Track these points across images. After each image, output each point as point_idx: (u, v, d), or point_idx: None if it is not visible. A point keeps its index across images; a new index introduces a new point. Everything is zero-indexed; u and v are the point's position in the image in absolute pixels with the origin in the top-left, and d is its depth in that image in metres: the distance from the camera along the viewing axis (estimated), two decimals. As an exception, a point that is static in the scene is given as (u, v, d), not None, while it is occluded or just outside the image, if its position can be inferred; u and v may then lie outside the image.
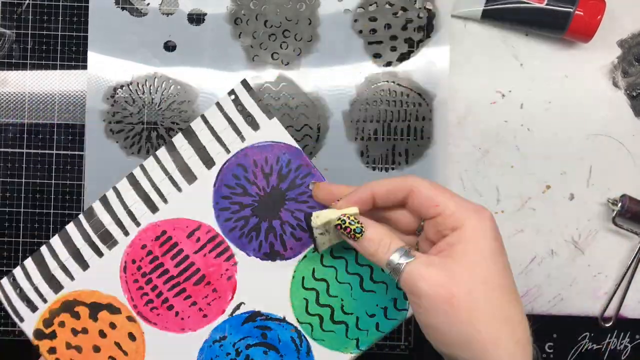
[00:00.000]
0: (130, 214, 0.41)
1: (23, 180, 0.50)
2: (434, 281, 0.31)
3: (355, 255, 0.41)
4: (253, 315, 0.41)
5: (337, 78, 0.51)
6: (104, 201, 0.42)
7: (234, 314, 0.41)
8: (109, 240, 0.41)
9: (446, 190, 0.34)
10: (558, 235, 0.52)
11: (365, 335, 0.41)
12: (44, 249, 0.41)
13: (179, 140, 0.42)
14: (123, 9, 0.50)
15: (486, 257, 0.32)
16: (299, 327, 0.41)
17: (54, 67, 0.51)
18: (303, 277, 0.41)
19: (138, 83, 0.51)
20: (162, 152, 0.42)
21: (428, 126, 0.51)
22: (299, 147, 0.42)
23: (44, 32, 0.51)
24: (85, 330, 0.41)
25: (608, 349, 0.52)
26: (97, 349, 0.41)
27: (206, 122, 0.42)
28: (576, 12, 0.47)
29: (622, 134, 0.51)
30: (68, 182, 0.50)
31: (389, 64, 0.51)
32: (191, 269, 0.41)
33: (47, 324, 0.41)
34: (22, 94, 0.51)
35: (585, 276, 0.52)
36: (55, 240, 0.41)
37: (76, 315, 0.41)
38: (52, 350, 0.41)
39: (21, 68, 0.51)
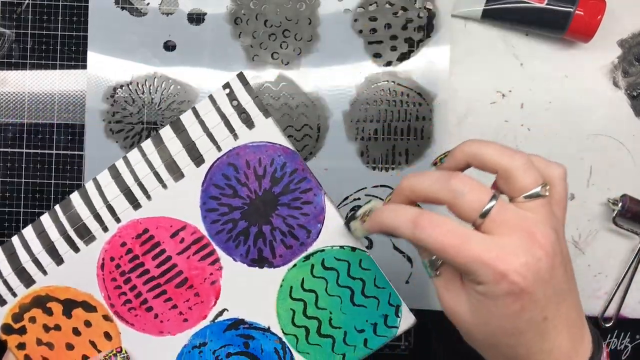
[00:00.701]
0: (111, 208, 0.39)
1: (23, 180, 0.50)
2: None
3: (348, 268, 0.40)
4: (236, 323, 0.40)
5: (337, 78, 0.51)
6: (83, 193, 0.39)
7: (215, 320, 0.40)
8: (87, 235, 0.39)
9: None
10: (558, 235, 0.52)
11: (353, 351, 0.39)
12: (15, 240, 0.39)
13: (167, 133, 0.39)
14: (123, 8, 0.50)
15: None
16: (284, 339, 0.40)
17: (54, 67, 0.51)
18: (291, 287, 0.40)
19: (138, 83, 0.51)
20: (147, 145, 0.39)
21: (428, 126, 0.51)
22: (294, 150, 0.39)
23: (44, 32, 0.51)
24: (58, 327, 0.39)
25: (608, 349, 0.52)
26: (70, 347, 0.39)
27: (197, 115, 0.39)
28: (576, 12, 0.47)
29: (622, 134, 0.51)
30: (68, 182, 0.50)
31: (389, 63, 0.51)
32: (173, 270, 0.40)
33: (16, 318, 0.39)
34: (21, 94, 0.51)
35: (585, 276, 0.52)
36: (28, 231, 0.39)
37: (48, 312, 0.39)
38: (21, 346, 0.39)
39: (21, 68, 0.51)
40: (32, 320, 0.39)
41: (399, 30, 0.51)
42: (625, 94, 0.51)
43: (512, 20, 0.50)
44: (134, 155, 0.39)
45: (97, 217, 0.39)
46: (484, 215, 0.30)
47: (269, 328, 0.40)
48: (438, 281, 0.33)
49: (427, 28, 0.51)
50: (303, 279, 0.40)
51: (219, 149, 0.39)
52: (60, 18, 0.51)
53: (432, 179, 0.31)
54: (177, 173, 0.39)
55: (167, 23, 0.51)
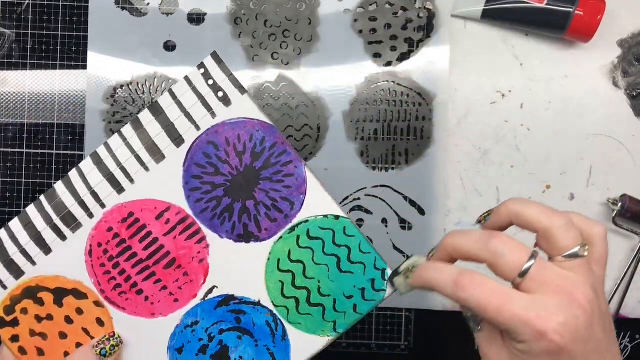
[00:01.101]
0: (95, 194, 0.39)
1: (23, 180, 0.50)
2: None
3: (333, 236, 0.40)
4: (226, 299, 0.40)
5: (337, 78, 0.51)
6: (67, 182, 0.39)
7: (206, 298, 0.40)
8: (73, 222, 0.39)
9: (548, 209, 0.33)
10: (558, 235, 0.52)
11: (343, 318, 0.40)
12: (2, 233, 0.39)
13: (146, 116, 0.39)
14: (123, 9, 0.50)
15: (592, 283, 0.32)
16: (275, 311, 0.40)
17: (54, 67, 0.51)
18: (279, 259, 0.40)
19: (138, 83, 0.51)
20: (127, 129, 0.39)
21: (428, 126, 0.51)
22: (272, 124, 0.40)
23: (44, 32, 0.51)
24: (50, 317, 0.40)
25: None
26: (63, 336, 0.40)
27: (174, 97, 0.39)
28: (576, 12, 0.47)
29: (622, 134, 0.51)
30: (68, 182, 0.50)
31: (389, 64, 0.51)
32: (161, 252, 0.40)
33: (8, 311, 0.39)
34: (22, 94, 0.51)
35: (585, 276, 0.52)
36: (15, 224, 0.39)
37: (39, 302, 0.40)
38: (14, 338, 0.39)
39: (21, 68, 0.51)
40: (24, 311, 0.40)
41: (399, 31, 0.51)
42: (625, 94, 0.51)
43: (512, 20, 0.50)
44: (114, 140, 0.39)
45: (82, 204, 0.39)
46: (523, 274, 0.31)
47: (259, 302, 0.40)
48: (481, 336, 0.34)
49: (427, 28, 0.51)
50: (290, 250, 0.40)
51: (197, 128, 0.40)
52: (60, 18, 0.51)
53: (474, 239, 0.32)
54: (158, 155, 0.39)
55: (167, 23, 0.51)
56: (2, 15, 0.50)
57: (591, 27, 0.48)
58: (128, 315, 0.40)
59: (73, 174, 0.40)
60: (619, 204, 0.50)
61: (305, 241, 0.40)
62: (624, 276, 0.51)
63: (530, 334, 0.30)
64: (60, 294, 0.40)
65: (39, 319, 0.40)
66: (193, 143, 0.40)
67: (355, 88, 0.51)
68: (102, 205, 0.40)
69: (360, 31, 0.51)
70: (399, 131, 0.51)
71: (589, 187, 0.52)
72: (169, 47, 0.51)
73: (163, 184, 0.40)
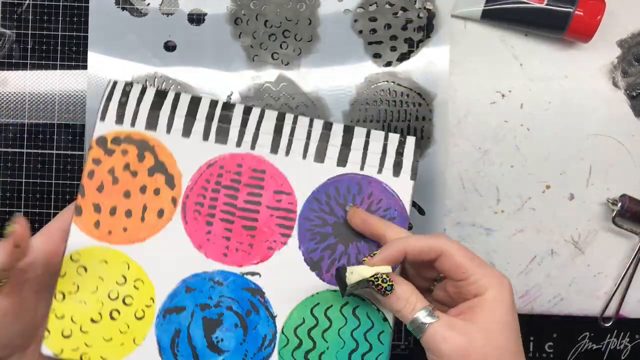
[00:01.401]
0: (256, 136, 0.42)
1: (23, 180, 0.50)
2: (454, 344, 0.34)
3: (369, 329, 0.40)
4: (257, 291, 0.40)
5: (337, 78, 0.51)
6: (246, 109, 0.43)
7: (244, 275, 0.41)
8: (223, 135, 0.42)
9: (474, 258, 0.36)
10: (558, 235, 0.52)
11: None
12: (184, 96, 0.42)
13: (338, 128, 0.42)
14: (123, 9, 0.50)
15: (503, 325, 0.35)
16: (277, 335, 0.40)
17: (54, 67, 0.51)
18: (317, 304, 0.40)
19: (138, 83, 0.51)
20: (336, 127, 0.42)
21: (428, 126, 0.51)
22: (408, 216, 0.41)
23: (44, 32, 0.51)
24: (135, 174, 0.41)
25: (608, 349, 0.52)
26: (127, 195, 0.41)
27: (368, 136, 0.42)
28: (576, 12, 0.47)
29: (622, 134, 0.51)
30: (68, 182, 0.50)
31: (389, 64, 0.51)
32: (253, 214, 0.41)
33: (115, 141, 0.41)
34: (22, 94, 0.51)
35: (585, 276, 0.52)
36: (185, 98, 0.42)
37: (141, 157, 0.41)
38: (96, 162, 0.41)
39: (21, 68, 0.51)
40: (124, 152, 0.41)
41: (398, 31, 0.51)
42: (625, 94, 0.51)
43: (511, 21, 0.50)
44: (306, 121, 0.43)
45: (241, 134, 0.42)
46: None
47: (275, 316, 0.40)
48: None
49: (427, 28, 0.51)
50: (331, 305, 0.40)
51: (362, 168, 0.42)
52: (60, 18, 0.51)
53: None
54: (320, 157, 0.42)
55: (167, 23, 0.51)
56: (2, 15, 0.50)
57: (591, 27, 0.48)
58: (182, 230, 0.41)
59: (256, 110, 0.42)
60: (619, 204, 0.50)
61: (348, 312, 0.40)
62: (624, 276, 0.51)
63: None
64: (157, 168, 0.41)
65: (126, 166, 0.41)
66: (349, 173, 0.42)
67: (355, 88, 0.51)
68: (252, 147, 0.42)
69: (360, 31, 0.51)
70: (398, 131, 0.51)
71: (589, 187, 0.52)
72: (169, 47, 0.51)
73: (303, 175, 0.41)
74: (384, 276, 0.35)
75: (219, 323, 0.40)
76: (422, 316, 0.35)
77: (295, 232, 0.41)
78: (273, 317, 0.40)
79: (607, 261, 0.52)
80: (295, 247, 0.41)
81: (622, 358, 0.52)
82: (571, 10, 0.47)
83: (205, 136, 0.41)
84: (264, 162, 0.42)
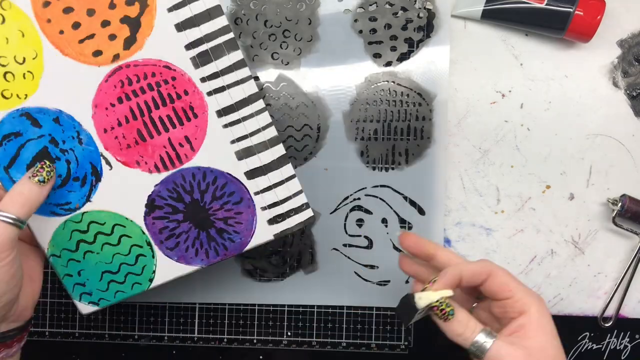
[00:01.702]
0: None
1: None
2: (516, 357, 0.36)
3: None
4: (96, 172, 0.42)
5: (337, 78, 0.51)
6: None
7: (102, 156, 0.41)
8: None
9: (516, 278, 0.39)
10: (558, 235, 0.52)
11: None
12: None
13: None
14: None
15: (551, 337, 0.38)
16: (79, 213, 0.42)
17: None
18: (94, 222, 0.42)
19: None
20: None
21: (428, 126, 0.51)
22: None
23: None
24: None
25: (608, 349, 0.52)
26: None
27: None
28: (576, 12, 0.47)
29: (622, 134, 0.51)
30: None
31: (389, 64, 0.51)
32: (155, 131, 0.41)
33: None
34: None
35: (585, 276, 0.52)
36: None
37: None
38: None
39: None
40: None
41: (398, 31, 0.51)
42: (625, 94, 0.51)
43: (511, 21, 0.50)
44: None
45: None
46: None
47: (89, 202, 0.42)
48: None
49: (427, 28, 0.51)
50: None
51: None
52: None
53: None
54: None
55: (167, 23, 0.51)
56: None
57: (591, 27, 0.48)
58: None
59: None
60: (619, 204, 0.50)
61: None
62: (624, 276, 0.52)
63: None
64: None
65: None
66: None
67: (355, 88, 0.51)
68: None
69: (360, 31, 0.51)
70: (399, 131, 0.51)
71: (589, 187, 0.52)
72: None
73: (213, 147, 0.42)
74: (447, 301, 0.37)
75: (51, 160, 0.41)
76: (483, 337, 0.37)
77: (163, 178, 0.42)
78: (88, 200, 0.42)
79: (607, 261, 0.52)
80: (152, 183, 0.42)
81: (622, 358, 0.52)
82: (571, 10, 0.47)
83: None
84: (204, 103, 0.41)
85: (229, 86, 0.41)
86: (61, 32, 0.39)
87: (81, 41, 0.39)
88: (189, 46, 0.40)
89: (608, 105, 0.51)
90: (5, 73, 0.39)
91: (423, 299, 0.37)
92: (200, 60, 0.40)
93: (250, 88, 0.41)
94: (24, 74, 0.39)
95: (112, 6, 0.39)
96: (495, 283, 0.39)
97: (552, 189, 0.52)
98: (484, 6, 0.49)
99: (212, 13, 0.39)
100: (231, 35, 0.40)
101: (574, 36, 0.49)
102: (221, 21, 0.39)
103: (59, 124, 0.40)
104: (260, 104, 0.41)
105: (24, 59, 0.39)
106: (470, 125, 0.51)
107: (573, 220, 0.52)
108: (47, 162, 0.40)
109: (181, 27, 0.39)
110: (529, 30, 0.51)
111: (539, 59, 0.51)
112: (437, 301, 0.37)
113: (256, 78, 0.51)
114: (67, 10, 0.39)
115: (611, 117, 0.51)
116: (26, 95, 0.40)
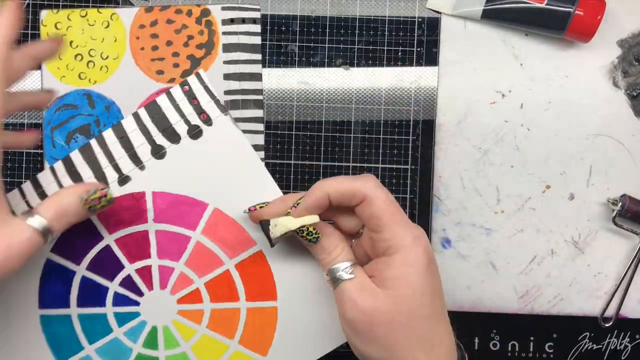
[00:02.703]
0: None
1: (23, 180, 0.50)
2: (360, 307, 0.33)
3: None
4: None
5: (337, 78, 0.51)
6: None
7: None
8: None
9: (396, 212, 0.34)
10: (558, 235, 0.52)
11: None
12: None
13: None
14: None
15: (413, 290, 0.33)
16: None
17: (54, 67, 0.51)
18: None
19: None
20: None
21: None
22: None
23: (44, 32, 0.50)
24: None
25: (608, 349, 0.52)
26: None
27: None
28: (576, 12, 0.47)
29: (622, 134, 0.51)
30: (68, 182, 0.50)
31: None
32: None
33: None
34: (22, 94, 0.51)
35: (585, 276, 0.52)
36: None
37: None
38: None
39: (21, 68, 0.51)
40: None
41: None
42: (625, 94, 0.51)
43: (511, 21, 0.50)
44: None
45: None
46: None
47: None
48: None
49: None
50: None
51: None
52: (60, 18, 0.50)
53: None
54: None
55: (167, 23, 0.51)
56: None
57: (591, 27, 0.48)
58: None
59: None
60: (619, 204, 0.50)
61: None
62: (624, 276, 0.52)
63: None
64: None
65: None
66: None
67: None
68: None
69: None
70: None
71: (589, 187, 0.52)
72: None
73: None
74: (310, 228, 0.34)
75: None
76: (338, 270, 0.34)
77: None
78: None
79: (607, 261, 0.52)
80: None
81: (622, 358, 0.52)
82: (571, 10, 0.47)
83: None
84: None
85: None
86: (142, 48, 0.49)
87: (153, 60, 0.49)
88: (228, 93, 0.48)
89: (608, 105, 0.51)
90: (89, 62, 0.49)
91: (279, 226, 0.35)
92: (231, 104, 0.48)
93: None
94: (102, 67, 0.49)
95: (185, 44, 0.48)
96: (365, 212, 0.34)
97: (552, 189, 0.52)
98: (484, 6, 0.50)
99: (253, 77, 0.48)
100: (260, 96, 0.48)
101: (574, 36, 0.49)
102: (257, 84, 0.48)
103: (108, 112, 0.48)
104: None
105: (108, 56, 0.49)
106: (470, 125, 0.51)
107: (573, 220, 0.52)
108: (107, 196, 0.39)
109: (228, 77, 0.48)
110: (529, 30, 0.51)
111: (539, 59, 0.51)
112: (297, 229, 0.34)
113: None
114: (154, 35, 0.49)
115: (611, 117, 0.51)
116: (95, 81, 0.49)
